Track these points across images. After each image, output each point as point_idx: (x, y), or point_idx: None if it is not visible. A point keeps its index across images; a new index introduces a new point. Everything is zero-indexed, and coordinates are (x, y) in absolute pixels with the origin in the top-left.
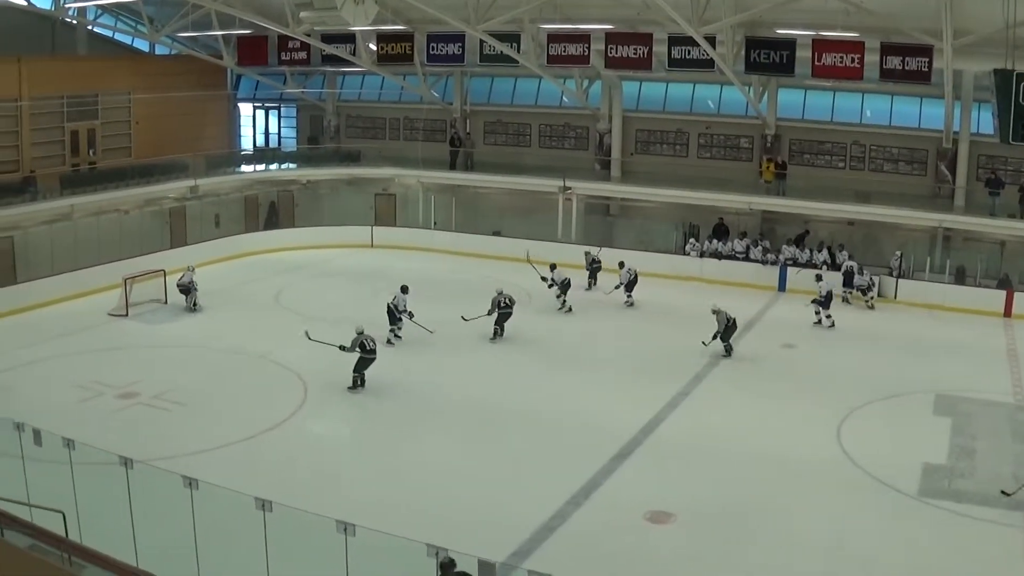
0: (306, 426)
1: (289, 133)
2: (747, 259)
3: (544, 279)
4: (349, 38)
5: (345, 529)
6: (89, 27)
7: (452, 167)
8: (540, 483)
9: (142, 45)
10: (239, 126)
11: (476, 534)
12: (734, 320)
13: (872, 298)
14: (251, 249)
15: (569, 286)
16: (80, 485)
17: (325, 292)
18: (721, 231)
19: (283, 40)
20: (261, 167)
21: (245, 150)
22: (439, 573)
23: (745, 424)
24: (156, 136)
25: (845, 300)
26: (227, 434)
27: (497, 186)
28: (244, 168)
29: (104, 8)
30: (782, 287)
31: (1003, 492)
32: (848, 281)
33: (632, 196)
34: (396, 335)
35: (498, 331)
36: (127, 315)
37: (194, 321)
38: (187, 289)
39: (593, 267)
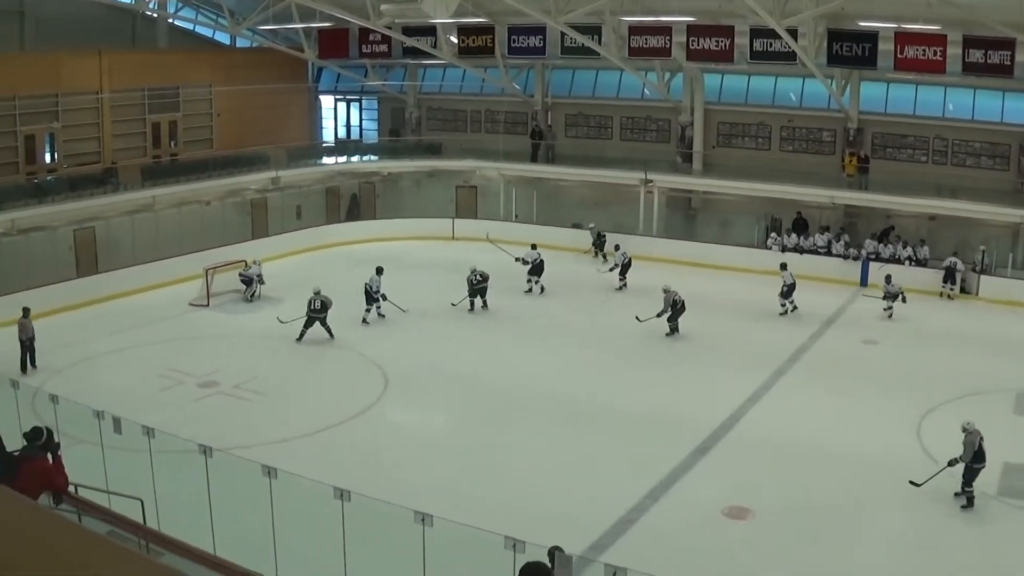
0: (386, 416)
1: (370, 125)
2: (829, 254)
3: (517, 259)
4: (430, 31)
5: (423, 520)
6: (170, 20)
7: (533, 159)
8: (619, 477)
9: (223, 38)
10: (320, 118)
11: (554, 527)
12: (683, 302)
13: (890, 310)
14: (332, 240)
15: (542, 269)
16: (159, 473)
17: (406, 284)
18: (800, 225)
19: (364, 33)
20: (342, 159)
21: (326, 142)
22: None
23: (825, 420)
24: (237, 128)
25: (949, 296)
26: (306, 423)
27: (578, 179)
28: (325, 160)
29: (184, 1)
30: (864, 282)
31: (912, 483)
32: (950, 277)
33: (713, 189)
34: (379, 314)
35: (473, 303)
36: (208, 305)
37: (275, 311)
38: (248, 280)
39: (601, 240)
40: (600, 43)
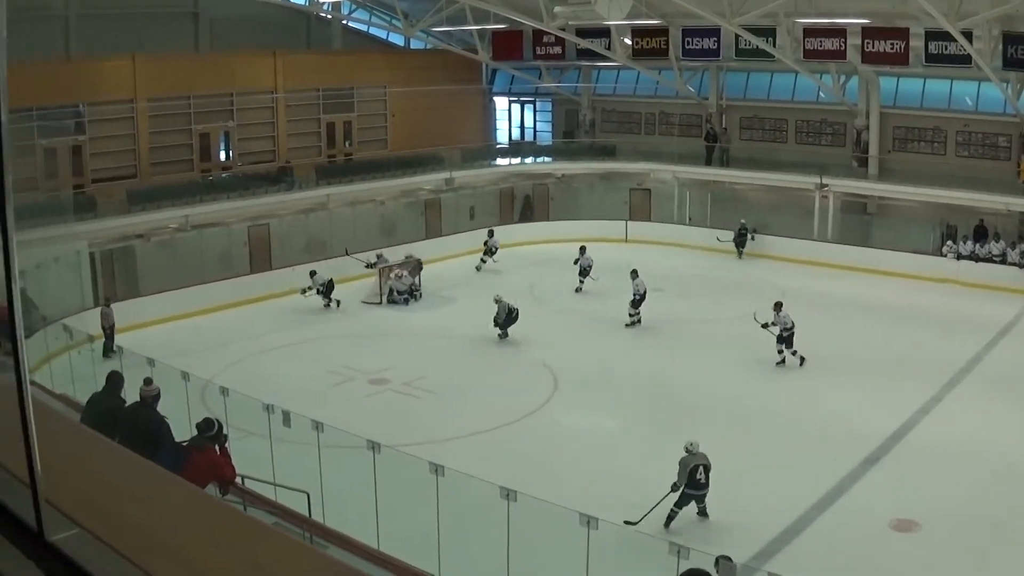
0: (554, 417)
1: (544, 127)
2: (1004, 262)
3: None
4: (604, 32)
5: (588, 522)
6: (344, 22)
7: (708, 163)
8: (787, 485)
9: (397, 39)
10: (494, 120)
11: (719, 534)
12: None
13: (785, 354)
14: (505, 241)
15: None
16: (326, 467)
17: (575, 285)
18: (980, 233)
19: (538, 34)
20: (516, 160)
21: (500, 144)
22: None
23: (998, 433)
24: (412, 129)
25: None
26: (476, 423)
27: (753, 182)
28: (499, 161)
29: (358, 3)
30: None
31: (626, 522)
32: None
33: (889, 195)
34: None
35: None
36: (381, 303)
37: (447, 311)
38: (405, 289)
39: (743, 237)
40: (774, 45)
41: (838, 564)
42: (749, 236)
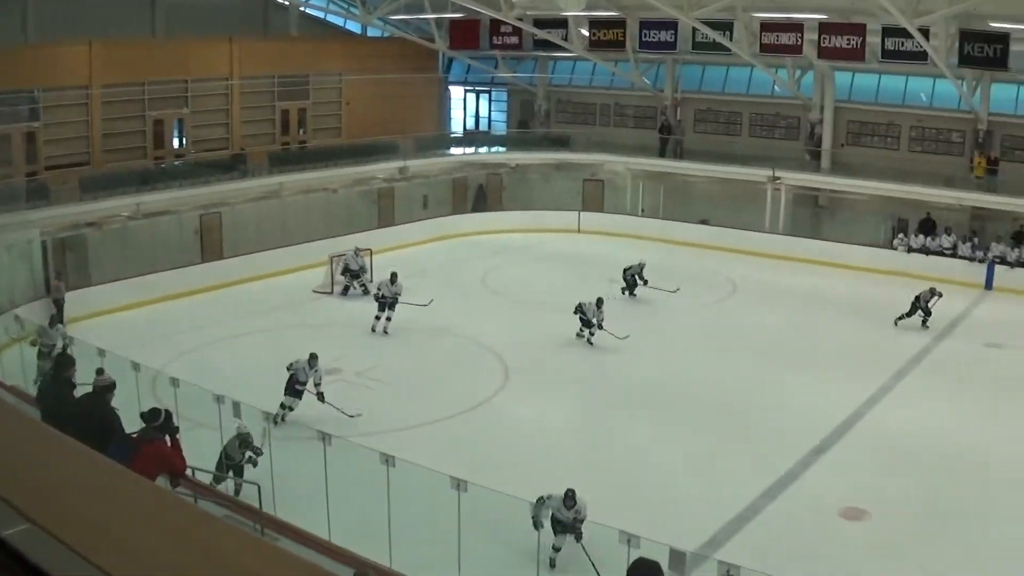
0: (506, 407)
1: (499, 117)
2: (955, 255)
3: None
4: (561, 23)
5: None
6: (301, 8)
7: (661, 154)
8: (736, 474)
9: (354, 27)
10: (449, 109)
11: (668, 523)
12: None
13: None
14: (459, 231)
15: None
16: (277, 458)
17: (531, 276)
18: (928, 226)
19: (495, 24)
20: (470, 150)
21: (455, 133)
22: None
23: (945, 423)
24: (366, 117)
25: None
26: (427, 413)
27: (706, 174)
28: (453, 151)
29: None
30: (989, 285)
31: None
32: None
33: (841, 188)
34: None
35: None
36: (332, 292)
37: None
38: (355, 272)
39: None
40: (731, 39)
41: (788, 551)
42: (639, 280)
